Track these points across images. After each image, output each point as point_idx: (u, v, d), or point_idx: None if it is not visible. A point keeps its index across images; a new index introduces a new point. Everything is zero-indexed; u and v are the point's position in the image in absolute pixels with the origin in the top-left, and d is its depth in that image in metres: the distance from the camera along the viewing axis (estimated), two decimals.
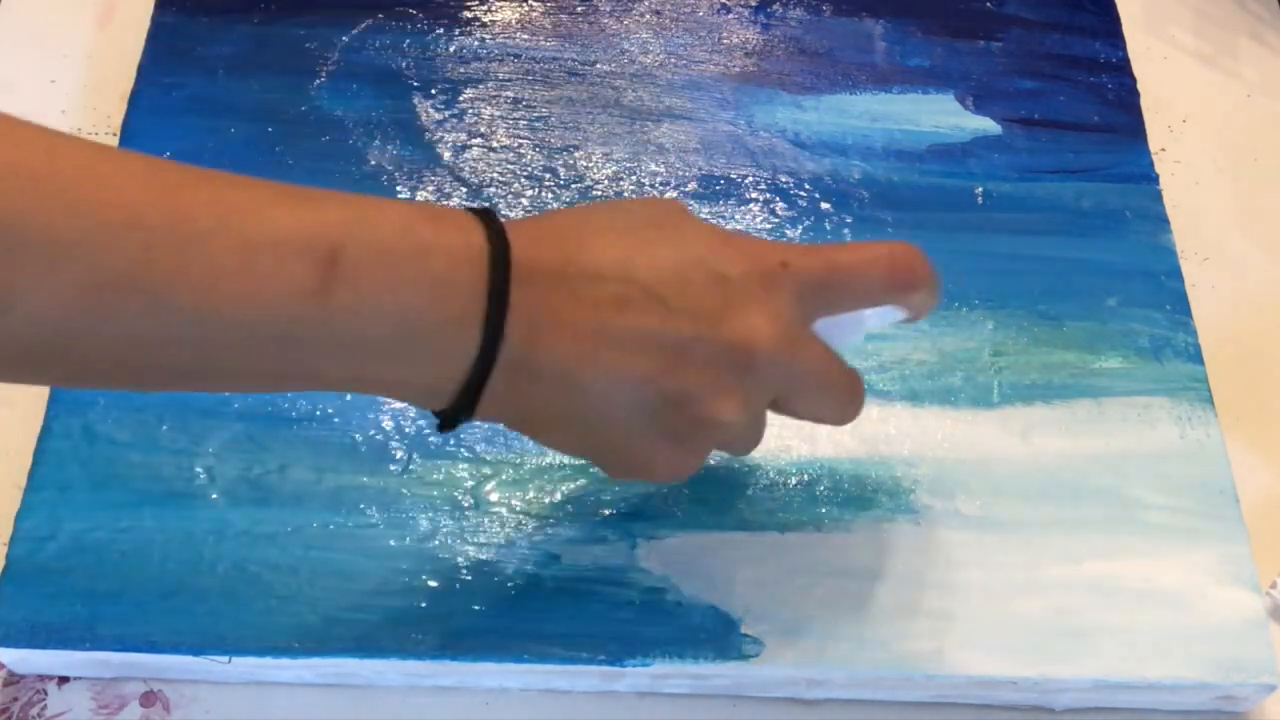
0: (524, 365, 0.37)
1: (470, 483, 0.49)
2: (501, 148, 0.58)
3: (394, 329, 0.35)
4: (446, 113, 0.59)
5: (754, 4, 0.65)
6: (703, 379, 0.38)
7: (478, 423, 0.40)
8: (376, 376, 0.37)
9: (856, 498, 0.49)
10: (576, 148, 0.59)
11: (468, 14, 0.63)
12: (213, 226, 0.33)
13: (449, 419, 0.38)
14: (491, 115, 0.60)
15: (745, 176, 0.58)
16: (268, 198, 0.35)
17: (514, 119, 0.60)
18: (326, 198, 0.36)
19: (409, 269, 0.35)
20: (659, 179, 0.58)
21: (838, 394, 0.42)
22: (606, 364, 0.37)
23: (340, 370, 0.37)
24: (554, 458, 0.49)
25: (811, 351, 0.40)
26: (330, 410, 0.50)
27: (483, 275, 0.36)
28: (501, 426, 0.49)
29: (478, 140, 0.59)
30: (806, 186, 0.58)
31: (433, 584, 0.46)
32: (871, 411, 0.51)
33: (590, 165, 0.58)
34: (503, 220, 0.37)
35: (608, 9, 0.64)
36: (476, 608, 0.46)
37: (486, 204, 0.38)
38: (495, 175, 0.57)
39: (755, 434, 0.42)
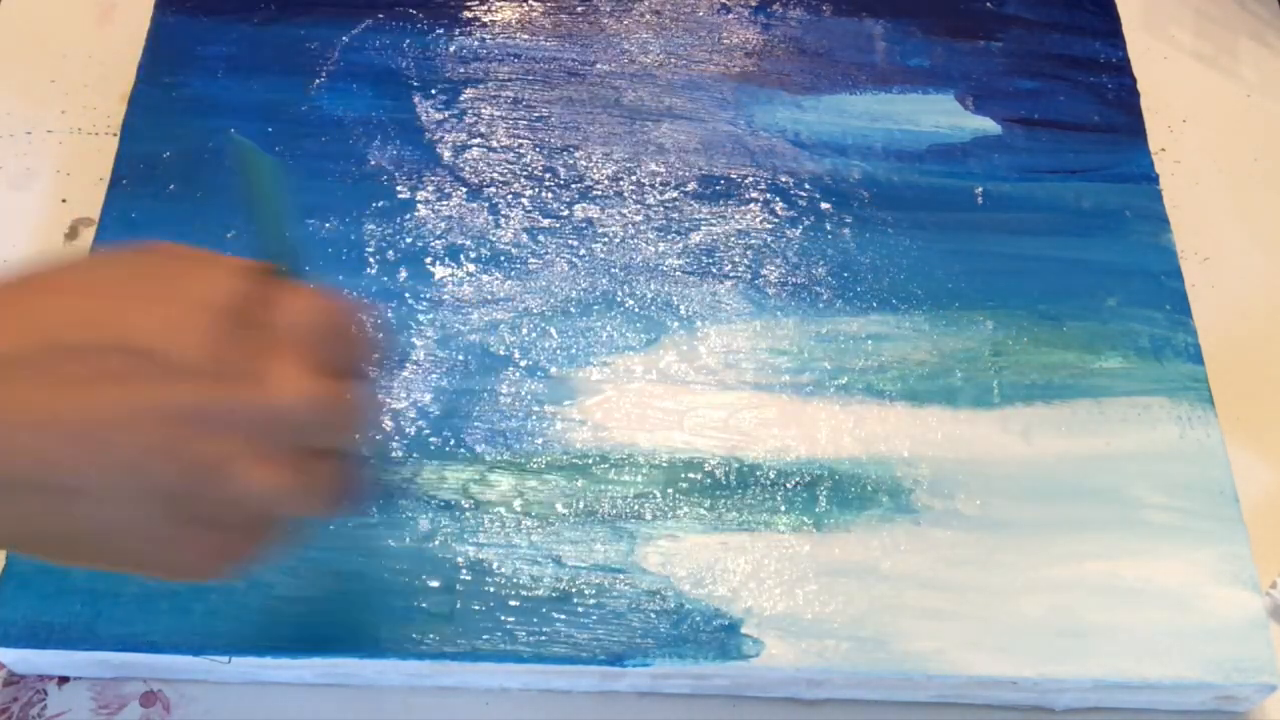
0: None
1: (470, 483, 0.49)
2: (501, 148, 0.58)
3: None
4: (446, 113, 0.59)
5: (754, 4, 0.65)
6: (222, 445, 0.32)
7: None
8: None
9: (856, 498, 0.49)
10: (576, 148, 0.59)
11: (468, 14, 0.63)
12: None
13: None
14: (491, 115, 0.60)
15: (745, 176, 0.58)
16: None
17: (514, 119, 0.60)
18: None
19: None
20: (659, 179, 0.58)
21: (361, 425, 0.36)
22: (105, 453, 0.30)
23: None
24: (555, 458, 0.49)
25: (337, 394, 0.34)
26: None
27: None
28: (504, 426, 0.49)
29: (478, 140, 0.59)
30: (806, 186, 0.58)
31: (433, 584, 0.46)
32: (872, 411, 0.51)
33: (590, 165, 0.58)
34: None
35: (608, 9, 0.64)
36: (476, 608, 0.46)
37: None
38: (495, 175, 0.57)
39: (310, 492, 0.34)
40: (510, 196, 0.57)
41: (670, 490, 0.49)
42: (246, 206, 0.34)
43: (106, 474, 0.31)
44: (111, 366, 0.31)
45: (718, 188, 0.58)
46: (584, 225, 0.56)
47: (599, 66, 0.62)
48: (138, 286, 0.32)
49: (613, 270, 0.55)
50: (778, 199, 0.57)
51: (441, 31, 0.62)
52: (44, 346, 0.30)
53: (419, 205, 0.56)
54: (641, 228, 0.56)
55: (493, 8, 0.64)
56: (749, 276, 0.55)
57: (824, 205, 0.57)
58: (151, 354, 0.31)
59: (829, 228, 0.57)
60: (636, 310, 0.54)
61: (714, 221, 0.57)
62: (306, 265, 0.36)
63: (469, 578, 0.46)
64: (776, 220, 0.57)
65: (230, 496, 0.32)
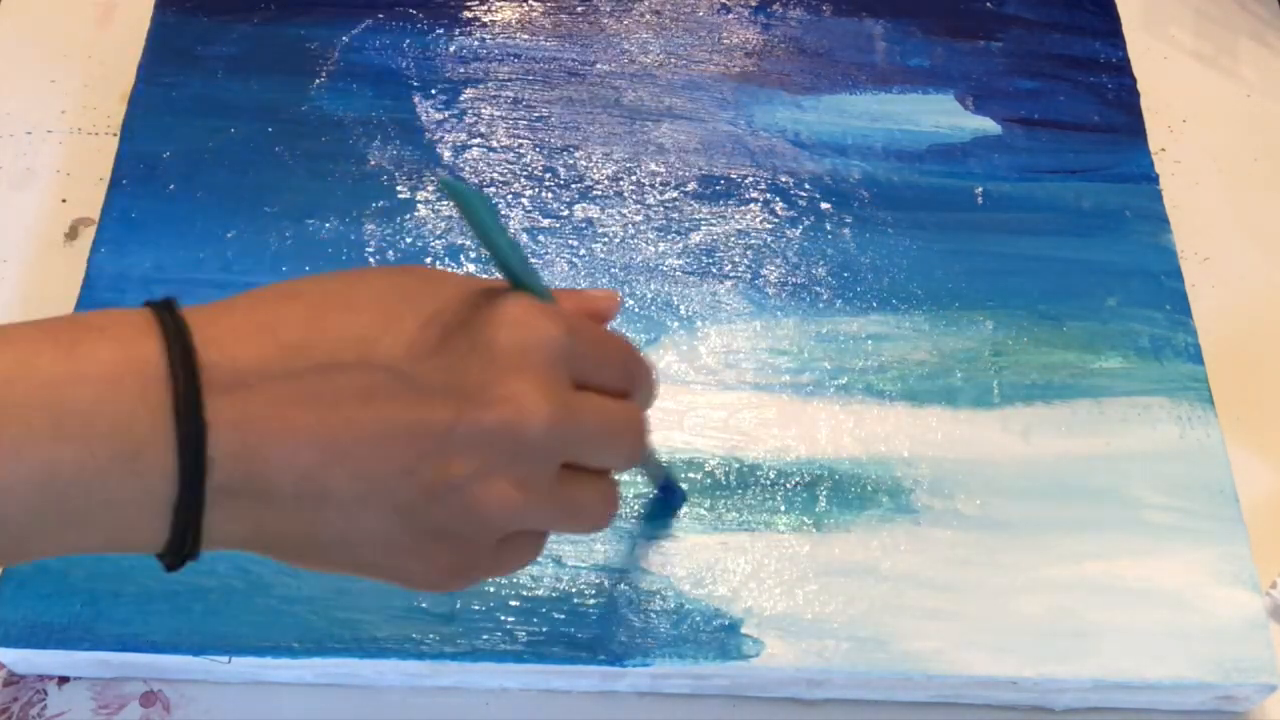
0: (248, 488, 0.31)
1: None
2: (501, 148, 0.58)
3: (38, 494, 0.29)
4: (446, 113, 0.59)
5: (754, 4, 0.65)
6: (467, 466, 0.32)
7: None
8: (67, 544, 0.31)
9: (856, 498, 0.49)
10: (576, 148, 0.59)
11: (468, 14, 0.63)
12: None
13: (171, 564, 0.32)
14: (491, 115, 0.60)
15: (745, 176, 0.58)
16: None
17: (514, 119, 0.60)
18: None
19: (36, 417, 0.28)
20: (659, 179, 0.58)
21: (625, 442, 0.37)
22: (353, 469, 0.31)
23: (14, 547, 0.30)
24: None
25: (588, 411, 0.35)
26: None
27: (159, 392, 0.29)
28: None
29: (478, 140, 0.59)
30: (806, 186, 0.58)
31: None
32: (872, 411, 0.51)
33: (590, 165, 0.58)
34: (191, 311, 0.31)
35: (608, 9, 0.64)
36: (477, 608, 0.46)
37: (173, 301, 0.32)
38: (495, 175, 0.57)
39: (560, 508, 0.35)
40: (510, 196, 0.57)
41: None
42: (479, 241, 0.35)
43: (355, 487, 0.31)
44: (365, 384, 0.31)
45: (718, 188, 0.58)
46: (584, 225, 0.56)
47: (599, 66, 0.62)
48: (395, 304, 0.33)
49: (613, 270, 0.55)
50: (778, 199, 0.57)
51: (441, 31, 0.62)
52: (303, 360, 0.31)
53: (419, 205, 0.56)
54: (641, 228, 0.56)
55: (493, 8, 0.64)
56: (749, 276, 0.55)
57: (824, 205, 0.57)
58: (403, 374, 0.32)
59: (829, 228, 0.57)
60: (636, 310, 0.54)
61: (714, 221, 0.57)
62: (548, 289, 0.36)
63: None
64: (776, 220, 0.57)
65: (468, 511, 0.33)
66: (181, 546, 0.31)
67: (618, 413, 0.36)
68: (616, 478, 0.38)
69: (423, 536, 0.33)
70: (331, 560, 0.34)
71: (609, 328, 0.39)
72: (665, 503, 0.48)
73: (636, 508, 0.48)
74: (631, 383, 0.37)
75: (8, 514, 0.29)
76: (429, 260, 0.54)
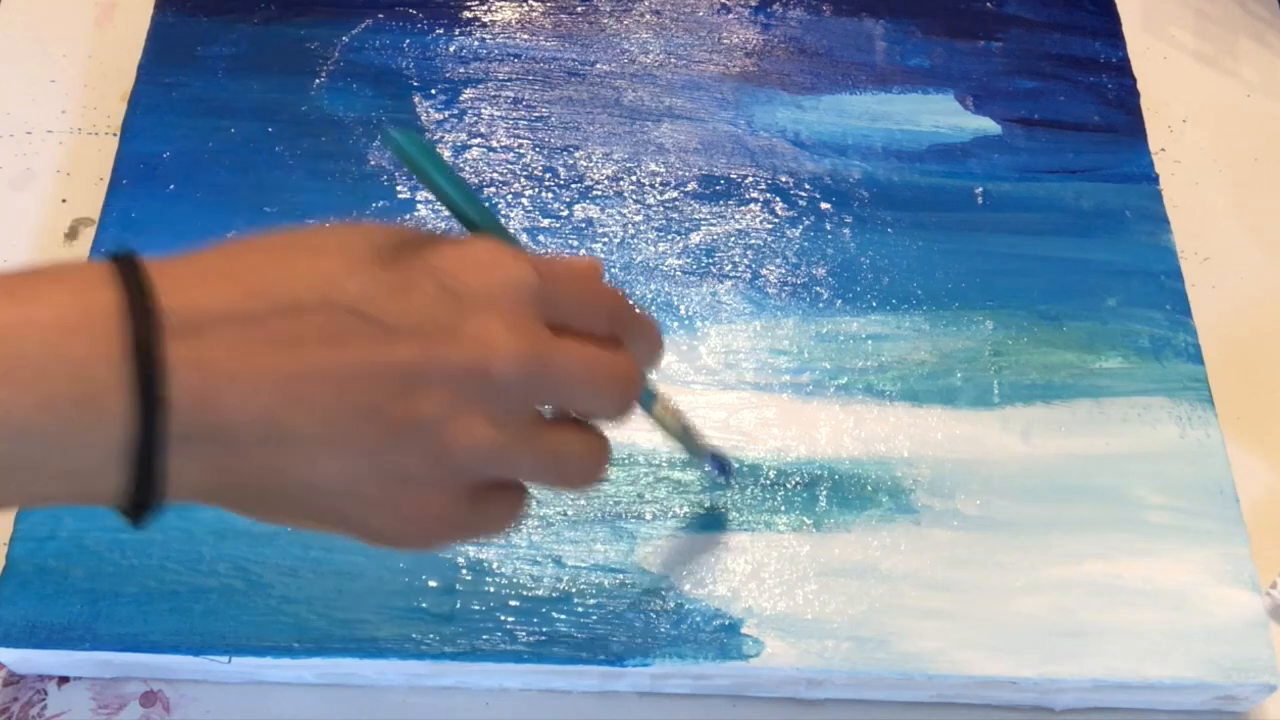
0: (207, 432, 0.30)
1: None
2: (501, 148, 0.58)
3: None
4: (446, 113, 0.59)
5: (754, 4, 0.65)
6: (434, 405, 0.31)
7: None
8: (26, 492, 0.30)
9: (856, 498, 0.49)
10: (576, 148, 0.59)
11: (468, 14, 0.63)
12: None
13: (134, 516, 0.31)
14: (491, 115, 0.60)
15: (745, 176, 0.58)
16: None
17: (514, 119, 0.60)
18: None
19: None
20: (659, 179, 0.58)
21: (609, 388, 0.35)
22: (315, 410, 0.31)
23: None
24: None
25: (566, 354, 0.34)
26: None
27: (115, 336, 0.29)
28: None
29: (478, 140, 0.59)
30: (806, 186, 0.58)
31: (433, 584, 0.46)
32: (872, 411, 0.51)
33: (590, 165, 0.58)
34: (152, 261, 0.31)
35: (608, 9, 0.64)
36: (476, 608, 0.46)
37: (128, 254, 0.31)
38: (495, 175, 0.58)
39: (538, 455, 0.34)
40: (510, 196, 0.57)
41: (670, 490, 0.49)
42: (431, 191, 0.35)
43: (316, 429, 0.31)
44: (329, 325, 0.31)
45: (718, 188, 0.58)
46: (584, 225, 0.56)
47: (599, 66, 0.62)
48: (360, 249, 0.32)
49: (613, 270, 0.55)
50: (778, 199, 0.57)
51: (441, 31, 0.62)
52: (265, 303, 0.31)
53: (419, 205, 0.56)
54: (641, 228, 0.56)
55: (493, 8, 0.64)
56: (749, 276, 0.55)
57: (824, 205, 0.57)
58: (367, 315, 0.31)
59: (829, 228, 0.57)
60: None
61: (714, 221, 0.57)
62: (514, 237, 0.36)
63: (469, 578, 0.46)
64: (776, 220, 0.57)
65: (439, 450, 0.32)
66: (142, 495, 0.30)
67: (599, 357, 0.35)
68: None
69: (389, 483, 0.32)
70: (295, 510, 0.33)
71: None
72: (717, 476, 0.48)
73: (637, 508, 0.48)
74: (622, 330, 0.36)
75: None
76: None
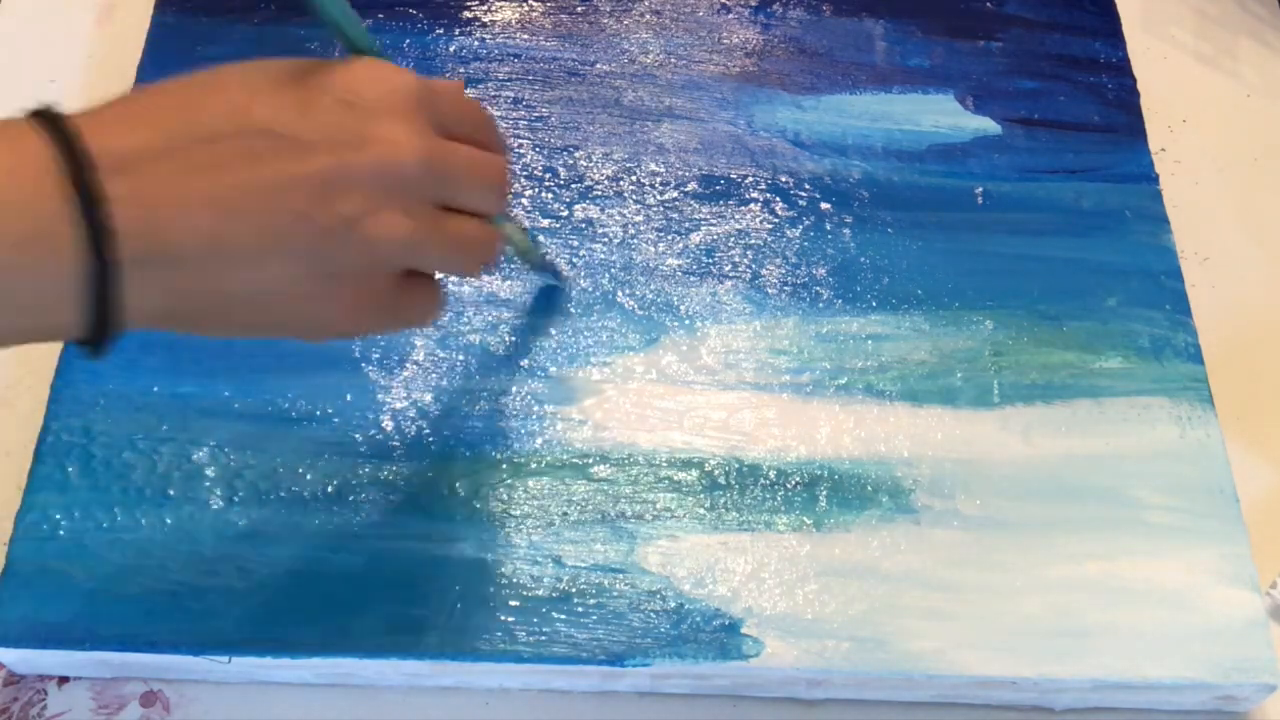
0: (156, 257, 0.33)
1: (471, 483, 0.49)
2: None
3: None
4: None
5: (754, 4, 0.65)
6: (354, 204, 0.35)
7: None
8: None
9: (856, 498, 0.49)
10: (576, 148, 0.59)
11: (468, 14, 0.63)
12: None
13: (94, 345, 0.34)
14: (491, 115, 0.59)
15: (745, 176, 0.58)
16: None
17: (514, 119, 0.60)
18: None
19: None
20: (659, 179, 0.58)
21: (494, 185, 0.40)
22: (252, 223, 0.34)
23: None
24: (555, 458, 0.49)
25: (457, 153, 0.38)
26: (330, 410, 0.50)
27: (55, 177, 0.31)
28: (504, 426, 0.49)
29: None
30: (806, 186, 0.58)
31: (433, 584, 0.46)
32: (872, 411, 0.51)
33: (590, 165, 0.58)
34: (72, 114, 0.33)
35: (608, 9, 0.64)
36: (477, 608, 0.46)
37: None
38: None
39: (445, 242, 0.39)
40: (510, 196, 0.57)
41: (670, 490, 0.49)
42: (325, 23, 0.38)
43: (256, 240, 0.34)
44: (247, 147, 0.34)
45: (718, 188, 0.58)
46: (584, 225, 0.56)
47: (599, 66, 0.62)
48: (259, 80, 0.35)
49: (613, 270, 0.55)
50: (778, 199, 0.58)
51: (441, 31, 0.62)
52: (185, 137, 0.34)
53: None
54: (641, 228, 0.56)
55: (493, 8, 0.64)
56: (749, 276, 0.55)
57: (824, 205, 0.57)
58: (279, 134, 0.34)
59: (829, 228, 0.57)
60: (636, 310, 0.54)
61: (714, 221, 0.57)
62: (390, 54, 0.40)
63: (469, 578, 0.46)
64: (776, 220, 0.57)
65: (364, 243, 0.36)
66: (100, 323, 0.33)
67: (482, 157, 0.39)
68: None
69: (326, 280, 0.36)
70: (247, 320, 0.37)
71: None
72: (550, 293, 0.52)
73: (636, 508, 0.48)
74: (491, 138, 0.41)
75: None
76: None
